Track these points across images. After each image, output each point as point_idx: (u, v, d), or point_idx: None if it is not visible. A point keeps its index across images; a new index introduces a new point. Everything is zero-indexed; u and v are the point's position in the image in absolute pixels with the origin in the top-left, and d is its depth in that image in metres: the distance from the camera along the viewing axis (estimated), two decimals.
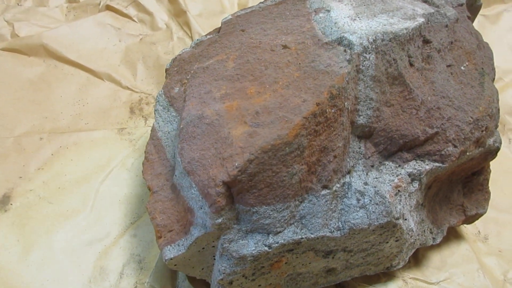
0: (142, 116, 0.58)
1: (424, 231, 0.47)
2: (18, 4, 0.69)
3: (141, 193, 0.51)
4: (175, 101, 0.45)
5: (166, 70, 0.48)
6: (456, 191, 0.51)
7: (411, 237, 0.44)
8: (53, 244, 0.46)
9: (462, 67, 0.45)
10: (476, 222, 0.56)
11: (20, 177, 0.51)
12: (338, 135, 0.38)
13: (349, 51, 0.38)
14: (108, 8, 0.68)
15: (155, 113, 0.46)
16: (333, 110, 0.37)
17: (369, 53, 0.38)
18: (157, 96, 0.46)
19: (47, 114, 0.56)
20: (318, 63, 0.38)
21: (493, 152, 0.48)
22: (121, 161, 0.53)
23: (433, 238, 0.49)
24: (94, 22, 0.66)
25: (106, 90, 0.60)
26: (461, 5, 0.48)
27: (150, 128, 0.57)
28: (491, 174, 0.61)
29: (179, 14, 0.69)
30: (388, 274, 0.50)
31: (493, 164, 0.63)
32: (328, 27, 0.40)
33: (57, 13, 0.69)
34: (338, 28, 0.39)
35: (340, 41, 0.39)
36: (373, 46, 0.38)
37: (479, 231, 0.56)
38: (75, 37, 0.64)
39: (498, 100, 0.47)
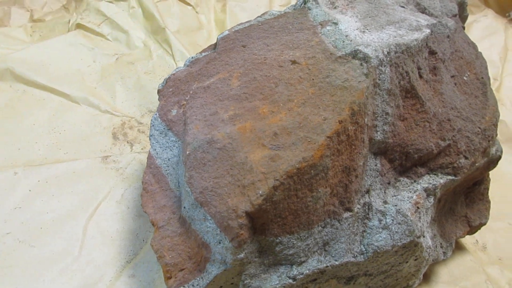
0: (127, 142, 0.53)
1: (436, 246, 0.46)
2: None
3: (135, 227, 0.46)
4: (174, 124, 0.41)
5: (159, 91, 0.44)
6: (460, 202, 0.50)
7: (429, 254, 0.42)
8: None
9: (464, 77, 0.45)
10: None
11: None
12: (359, 153, 0.36)
13: (365, 64, 0.36)
14: (79, 26, 0.63)
15: (150, 139, 0.42)
16: (354, 128, 0.35)
17: (385, 66, 0.37)
18: (152, 120, 0.42)
19: (19, 145, 0.50)
20: (334, 78, 0.36)
21: (494, 161, 0.47)
22: (109, 193, 0.48)
23: (444, 253, 0.48)
24: (65, 42, 0.61)
25: (83, 115, 0.55)
26: (455, 15, 0.48)
27: (137, 154, 0.53)
28: None
29: (157, 32, 0.65)
30: None
31: None
32: (340, 40, 0.38)
33: (21, 33, 0.63)
34: (351, 41, 0.38)
35: (354, 54, 0.37)
36: (388, 58, 0.37)
37: (476, 240, 0.56)
38: (45, 58, 0.59)
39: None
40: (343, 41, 0.38)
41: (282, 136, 0.34)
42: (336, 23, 0.40)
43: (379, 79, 0.37)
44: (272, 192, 0.31)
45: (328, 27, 0.40)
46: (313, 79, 0.37)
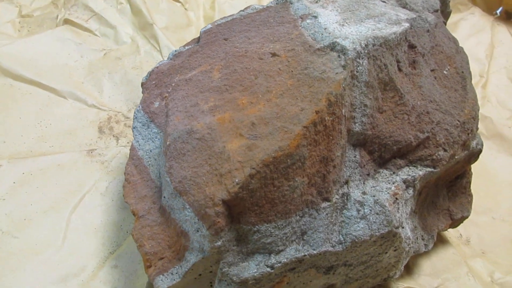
0: (113, 136, 0.54)
1: (417, 238, 0.47)
2: None
3: (119, 219, 0.46)
4: (156, 116, 0.41)
5: (143, 84, 0.44)
6: (442, 195, 0.51)
7: (408, 245, 0.43)
8: (21, 284, 0.41)
9: (444, 71, 0.45)
10: None
11: None
12: (337, 144, 0.36)
13: (343, 56, 0.37)
14: (67, 22, 0.63)
15: (133, 131, 0.42)
16: (331, 118, 0.35)
17: (362, 58, 0.37)
18: (134, 113, 0.43)
19: (5, 138, 0.50)
20: (312, 70, 0.36)
21: (475, 155, 0.48)
22: (94, 186, 0.48)
23: (425, 245, 0.48)
24: (52, 37, 0.61)
25: (70, 109, 0.55)
26: (436, 11, 0.49)
27: (123, 148, 0.53)
28: None
29: (144, 27, 0.65)
30: (384, 286, 0.48)
31: None
32: (318, 33, 0.39)
33: (9, 28, 0.63)
34: (329, 33, 0.38)
35: (332, 46, 0.37)
36: (366, 51, 0.38)
37: (460, 234, 0.56)
38: (32, 53, 0.59)
39: (478, 103, 0.48)
40: (322, 34, 0.38)
41: (259, 126, 0.34)
42: (316, 17, 0.40)
43: (356, 71, 0.37)
44: (248, 180, 0.32)
45: (308, 20, 0.40)
46: (292, 71, 0.37)
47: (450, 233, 0.56)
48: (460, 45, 0.80)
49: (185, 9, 0.72)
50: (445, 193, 0.51)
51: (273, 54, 0.39)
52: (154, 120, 0.41)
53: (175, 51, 0.45)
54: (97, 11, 0.65)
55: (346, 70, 0.36)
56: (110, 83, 0.59)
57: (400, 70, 0.41)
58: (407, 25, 0.42)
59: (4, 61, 0.57)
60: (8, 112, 0.53)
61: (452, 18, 0.81)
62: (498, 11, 0.82)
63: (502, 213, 0.59)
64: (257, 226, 0.34)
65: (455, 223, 0.52)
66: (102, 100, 0.58)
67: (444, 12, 0.55)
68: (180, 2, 0.72)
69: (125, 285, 0.42)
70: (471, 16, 0.81)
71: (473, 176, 0.63)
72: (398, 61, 0.41)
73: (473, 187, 0.61)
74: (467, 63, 0.50)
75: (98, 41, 0.63)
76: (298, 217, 0.36)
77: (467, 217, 0.52)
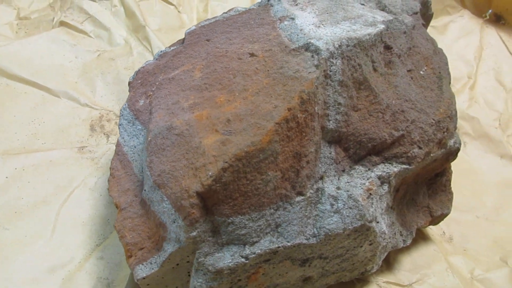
0: (104, 134, 0.56)
1: (395, 233, 0.48)
2: None
3: (106, 214, 0.48)
4: (141, 114, 0.43)
5: (129, 83, 0.46)
6: (422, 193, 0.52)
7: (383, 240, 0.44)
8: (11, 274, 0.43)
9: (421, 72, 0.47)
10: (441, 223, 0.58)
11: None
12: (310, 140, 0.38)
13: (316, 56, 0.38)
14: (63, 24, 0.66)
15: (119, 128, 0.44)
16: (304, 115, 0.37)
17: (336, 58, 0.39)
18: (121, 110, 0.44)
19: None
20: (287, 69, 0.38)
21: (453, 153, 0.49)
22: (83, 181, 0.50)
23: (404, 240, 0.49)
24: (48, 39, 0.63)
25: (63, 108, 0.57)
26: (416, 13, 0.50)
27: (113, 145, 0.55)
28: None
29: (137, 29, 0.67)
30: (363, 280, 0.50)
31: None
32: (294, 34, 0.40)
33: (7, 30, 0.65)
34: (304, 34, 0.40)
35: (307, 47, 0.39)
36: (339, 51, 0.39)
37: (443, 232, 0.58)
38: (28, 54, 0.61)
39: (455, 103, 0.49)
40: (298, 35, 0.40)
41: (234, 122, 0.36)
42: (293, 18, 0.42)
43: (330, 71, 0.39)
44: (221, 174, 0.34)
45: (285, 22, 0.42)
46: (268, 70, 0.39)
47: (433, 231, 0.57)
48: (449, 47, 0.81)
49: (179, 11, 0.74)
50: (425, 191, 0.52)
51: (252, 54, 0.40)
52: (138, 117, 0.43)
53: (161, 51, 0.47)
54: (91, 13, 0.67)
55: (319, 69, 0.38)
56: (103, 83, 0.61)
57: (375, 70, 0.43)
58: (382, 26, 0.43)
59: (1, 61, 0.59)
60: (3, 110, 0.56)
61: (442, 21, 0.82)
62: (488, 14, 0.83)
63: (486, 212, 0.60)
64: (231, 218, 0.35)
65: (435, 220, 0.53)
66: (94, 99, 0.60)
67: (426, 14, 0.56)
68: (173, 4, 0.74)
69: (110, 275, 0.44)
70: (461, 18, 0.82)
71: (459, 175, 0.65)
72: (373, 61, 0.43)
73: (459, 187, 0.63)
74: (446, 64, 0.51)
75: (92, 42, 0.66)
76: (272, 210, 0.37)
77: (447, 214, 0.53)
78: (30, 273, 0.43)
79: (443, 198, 0.53)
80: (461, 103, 0.71)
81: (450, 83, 0.51)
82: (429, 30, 0.80)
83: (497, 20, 0.82)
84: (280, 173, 0.37)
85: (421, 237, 0.56)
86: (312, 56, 0.38)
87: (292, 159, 0.37)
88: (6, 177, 0.49)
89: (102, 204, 0.49)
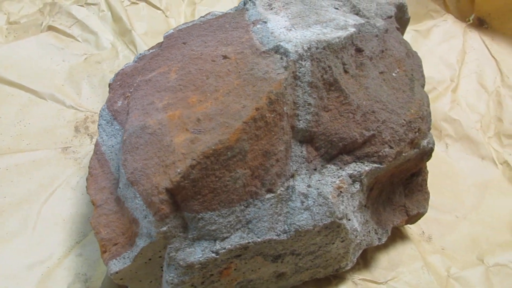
0: (88, 135, 0.57)
1: (369, 231, 0.49)
2: None
3: (87, 212, 0.49)
4: (119, 114, 0.45)
5: (109, 85, 0.48)
6: (398, 192, 0.53)
7: (356, 237, 0.45)
8: None
9: (393, 74, 0.48)
10: (420, 223, 0.59)
11: None
12: (279, 139, 0.39)
13: (285, 58, 0.40)
14: (51, 28, 0.67)
15: (98, 128, 0.45)
16: (272, 115, 0.38)
17: (305, 60, 0.40)
18: (100, 111, 0.46)
19: None
20: (257, 71, 0.39)
21: (427, 153, 0.50)
22: (65, 180, 0.52)
23: (379, 239, 0.51)
24: (36, 43, 0.65)
25: (49, 110, 0.59)
26: (390, 17, 0.52)
27: None
28: (432, 177, 0.64)
29: (124, 33, 0.69)
30: (338, 277, 0.51)
31: (432, 167, 0.66)
32: (265, 37, 0.42)
33: None
34: (275, 37, 0.41)
35: (276, 49, 0.40)
36: (308, 53, 0.41)
37: (423, 232, 0.59)
38: (16, 58, 0.63)
39: (428, 104, 0.50)
40: (268, 38, 0.41)
41: (204, 121, 0.37)
42: (265, 22, 0.43)
43: (299, 72, 0.40)
44: (189, 171, 0.35)
45: (258, 25, 0.43)
46: (239, 72, 0.40)
47: (412, 230, 0.58)
48: (432, 50, 0.82)
49: (166, 16, 0.76)
50: (402, 190, 0.54)
51: (225, 57, 0.42)
52: (117, 118, 0.45)
53: (140, 54, 0.48)
54: (79, 18, 0.69)
55: (288, 70, 0.39)
56: (89, 85, 0.63)
57: (346, 72, 0.44)
58: (353, 30, 0.44)
59: None
60: None
61: (425, 25, 0.83)
62: (471, 18, 0.84)
63: (465, 212, 0.61)
64: (201, 214, 0.37)
65: (411, 219, 0.54)
66: (80, 101, 0.61)
67: (402, 18, 0.58)
68: (161, 9, 0.76)
69: (88, 272, 0.45)
70: (444, 23, 0.84)
71: (440, 177, 0.66)
72: (344, 64, 0.44)
73: (440, 188, 0.64)
74: (420, 66, 0.52)
75: (79, 46, 0.67)
76: (242, 206, 0.38)
77: (423, 213, 0.54)
78: (9, 269, 0.44)
79: (419, 198, 0.54)
80: (444, 106, 0.73)
81: (424, 85, 0.53)
82: (412, 34, 0.82)
83: (480, 24, 0.84)
84: (249, 170, 0.38)
85: (399, 236, 0.57)
86: (281, 58, 0.40)
87: (261, 157, 0.38)
88: None
89: (83, 202, 0.50)
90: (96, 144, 0.45)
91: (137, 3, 0.74)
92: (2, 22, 0.69)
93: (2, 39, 0.66)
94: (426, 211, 0.54)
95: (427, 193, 0.55)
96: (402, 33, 0.61)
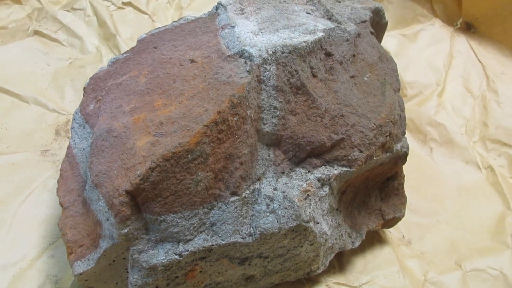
0: (68, 138, 0.58)
1: (342, 235, 0.49)
2: None
3: None
4: (90, 117, 0.45)
5: (84, 88, 0.48)
6: (373, 196, 0.53)
7: (326, 240, 0.45)
8: None
9: (365, 78, 0.48)
10: (401, 227, 0.59)
11: None
12: (243, 143, 0.40)
13: (249, 62, 0.40)
14: (37, 33, 0.68)
15: (71, 131, 0.46)
16: (235, 118, 0.39)
17: (270, 64, 0.41)
18: (73, 115, 0.46)
19: None
20: (221, 75, 0.40)
21: (402, 157, 0.50)
22: (43, 183, 0.52)
23: (352, 242, 0.51)
24: (21, 47, 0.66)
25: (31, 113, 0.60)
26: (364, 22, 0.52)
27: None
28: (415, 181, 0.64)
29: (109, 38, 0.70)
30: (312, 280, 0.51)
31: (416, 171, 0.66)
32: (232, 41, 0.42)
33: None
34: (240, 42, 0.42)
35: (241, 53, 0.41)
36: (273, 58, 0.41)
37: (403, 236, 0.58)
38: (1, 62, 0.64)
39: (402, 109, 0.51)
40: (234, 42, 0.42)
41: (166, 125, 0.38)
42: (233, 26, 0.44)
43: (263, 76, 0.41)
44: (148, 173, 0.35)
45: (226, 30, 0.44)
46: (205, 76, 0.41)
47: (392, 234, 0.58)
48: (419, 54, 0.82)
49: (153, 21, 0.77)
50: (377, 194, 0.54)
51: (192, 61, 0.42)
52: (88, 121, 0.45)
53: (114, 58, 0.49)
54: (65, 23, 0.70)
55: (251, 75, 0.40)
56: (72, 89, 0.63)
57: (314, 76, 0.44)
58: (321, 34, 0.45)
59: None
60: None
61: (413, 29, 0.83)
62: (459, 23, 0.84)
63: (447, 216, 0.61)
64: (163, 216, 0.37)
65: (388, 223, 0.54)
66: (63, 105, 0.62)
67: (380, 23, 0.58)
68: (148, 14, 0.77)
69: (59, 273, 0.45)
70: (431, 27, 0.84)
71: (424, 180, 0.66)
72: (311, 68, 0.44)
73: (423, 191, 0.63)
74: (394, 70, 0.53)
75: (65, 50, 0.68)
76: (206, 209, 0.39)
77: (400, 217, 0.54)
78: None
79: (395, 202, 0.54)
80: (429, 110, 0.72)
81: (399, 89, 0.53)
82: (399, 38, 0.82)
83: (468, 28, 0.83)
84: (212, 173, 0.38)
85: (378, 240, 0.57)
86: (245, 62, 0.40)
87: (224, 160, 0.39)
88: None
89: (58, 205, 0.51)
90: (68, 147, 0.45)
91: (124, 8, 0.75)
92: None
93: None
94: (403, 215, 0.54)
95: (404, 197, 0.55)
96: (380, 38, 0.61)
